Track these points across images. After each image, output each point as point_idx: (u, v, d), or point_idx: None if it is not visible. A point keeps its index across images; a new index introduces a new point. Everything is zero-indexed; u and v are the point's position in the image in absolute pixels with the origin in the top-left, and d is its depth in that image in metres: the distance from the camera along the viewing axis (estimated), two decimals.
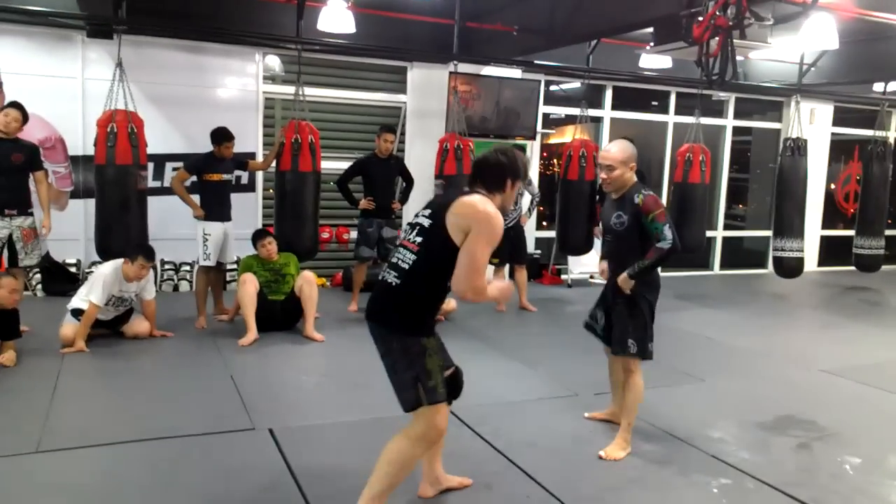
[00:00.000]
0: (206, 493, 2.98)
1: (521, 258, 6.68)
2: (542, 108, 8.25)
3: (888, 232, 8.82)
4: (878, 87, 9.01)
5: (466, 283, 2.48)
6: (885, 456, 3.59)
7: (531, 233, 8.07)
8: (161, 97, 6.67)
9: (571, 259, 8.05)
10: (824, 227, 10.18)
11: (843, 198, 10.41)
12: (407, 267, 2.55)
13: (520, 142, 7.83)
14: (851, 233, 8.85)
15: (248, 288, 5.33)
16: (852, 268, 8.92)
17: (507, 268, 6.78)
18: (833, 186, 10.42)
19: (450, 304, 6.11)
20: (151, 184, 6.39)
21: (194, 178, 5.62)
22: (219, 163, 5.65)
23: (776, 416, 4.12)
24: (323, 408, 4.09)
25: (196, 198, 5.67)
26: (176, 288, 7.00)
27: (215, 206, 5.67)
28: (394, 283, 2.56)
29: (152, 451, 3.38)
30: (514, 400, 4.26)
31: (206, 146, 5.69)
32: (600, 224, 6.82)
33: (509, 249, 6.55)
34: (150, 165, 6.18)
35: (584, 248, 7.11)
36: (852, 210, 10.02)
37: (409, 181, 6.47)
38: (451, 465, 3.30)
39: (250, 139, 7.09)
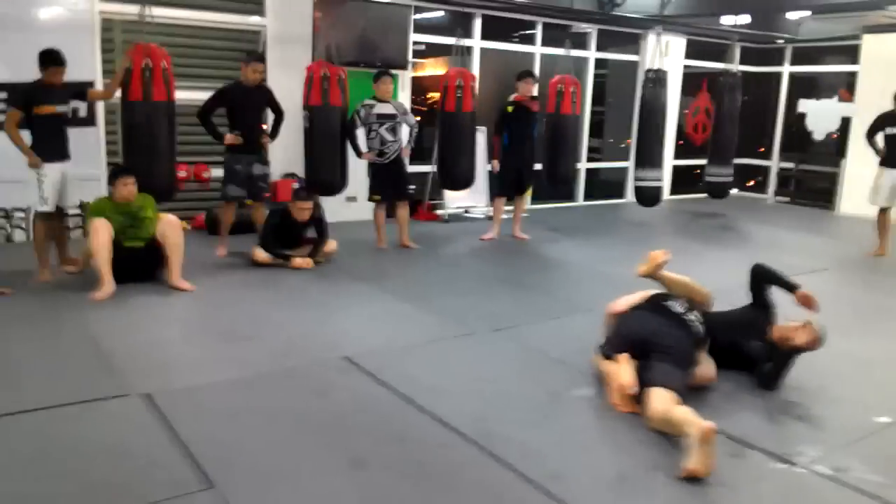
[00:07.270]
0: (82, 474, 2.57)
1: (403, 194, 6.42)
2: (413, 37, 7.88)
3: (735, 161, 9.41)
4: (725, 20, 9.44)
5: None
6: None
7: None
8: None
9: (448, 194, 7.90)
10: (676, 157, 10.71)
11: (692, 128, 10.97)
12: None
13: (393, 72, 7.44)
14: (699, 161, 9.36)
15: (101, 235, 4.70)
16: (700, 195, 9.49)
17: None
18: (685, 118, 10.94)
19: (331, 244, 5.78)
20: None
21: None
22: (49, 92, 4.85)
23: None
24: (201, 366, 3.67)
25: (26, 135, 4.86)
26: (9, 238, 6.12)
27: (50, 144, 4.88)
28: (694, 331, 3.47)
29: (8, 428, 2.88)
30: (410, 343, 4.08)
31: (33, 74, 4.86)
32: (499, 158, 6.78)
33: (391, 185, 6.28)
34: None
35: (466, 182, 6.96)
36: (700, 140, 10.60)
37: (280, 113, 5.94)
38: (357, 420, 3.11)
39: (86, 66, 6.18)
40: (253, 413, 3.15)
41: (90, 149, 6.26)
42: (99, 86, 6.13)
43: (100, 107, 6.35)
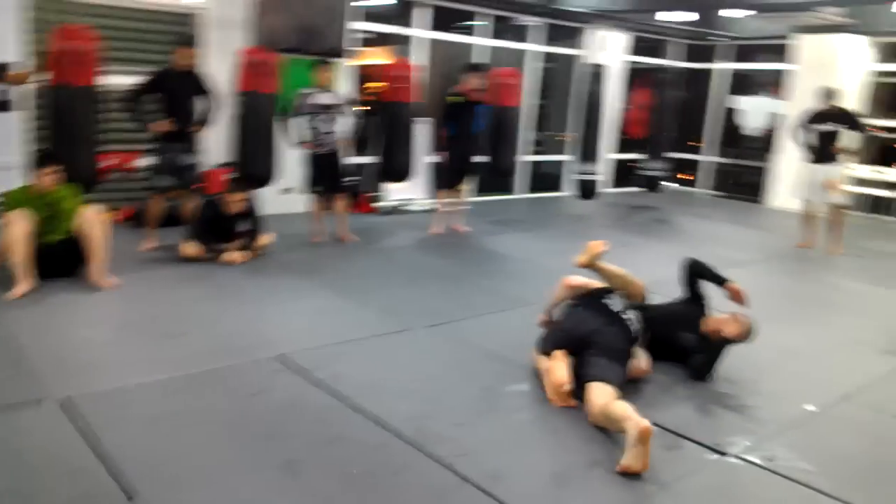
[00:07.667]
0: None
1: (340, 186, 6.27)
2: (355, 25, 7.72)
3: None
4: (665, 16, 9.58)
5: None
6: None
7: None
8: None
9: (387, 186, 7.78)
10: (619, 151, 10.82)
11: (631, 123, 11.09)
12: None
13: (332, 60, 7.27)
14: (636, 156, 9.51)
15: (18, 228, 4.41)
16: (635, 188, 9.63)
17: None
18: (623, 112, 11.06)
19: (265, 238, 5.61)
20: None
21: None
22: None
23: None
24: (126, 367, 3.47)
25: None
26: None
27: None
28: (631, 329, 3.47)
29: None
30: (347, 340, 3.98)
31: None
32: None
33: (329, 177, 6.14)
34: None
35: (405, 175, 6.87)
36: (639, 135, 10.73)
37: (214, 100, 5.71)
38: (292, 421, 3.00)
39: (8, 46, 5.83)
40: (181, 416, 3.00)
41: (6, 135, 5.91)
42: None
43: (16, 91, 5.99)
